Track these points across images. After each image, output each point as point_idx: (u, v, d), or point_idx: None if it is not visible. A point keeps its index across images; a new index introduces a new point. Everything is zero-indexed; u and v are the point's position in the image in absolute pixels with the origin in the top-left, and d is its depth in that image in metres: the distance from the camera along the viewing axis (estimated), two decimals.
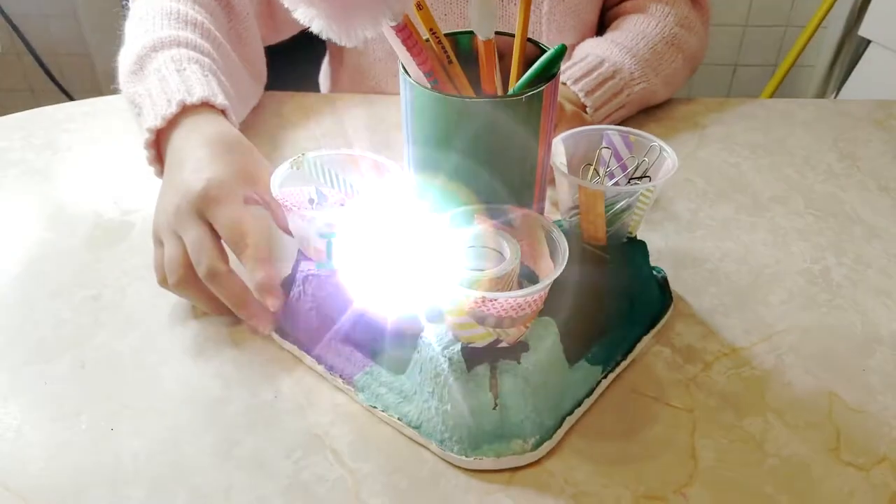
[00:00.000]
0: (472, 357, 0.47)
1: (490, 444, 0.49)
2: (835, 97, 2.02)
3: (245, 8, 0.82)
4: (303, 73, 1.13)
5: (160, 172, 0.66)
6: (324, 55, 1.10)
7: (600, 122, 0.78)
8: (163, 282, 0.58)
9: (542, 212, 0.57)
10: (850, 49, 2.06)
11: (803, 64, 2.18)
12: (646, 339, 0.57)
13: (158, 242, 0.59)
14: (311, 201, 0.55)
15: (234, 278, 0.56)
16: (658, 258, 0.66)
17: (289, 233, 0.57)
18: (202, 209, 0.56)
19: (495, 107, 0.48)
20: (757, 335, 0.58)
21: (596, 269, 0.55)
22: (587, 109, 0.77)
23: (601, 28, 0.98)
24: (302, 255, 0.56)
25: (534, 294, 0.44)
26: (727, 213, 0.72)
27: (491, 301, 0.43)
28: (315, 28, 0.44)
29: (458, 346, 0.48)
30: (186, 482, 0.48)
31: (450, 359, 0.47)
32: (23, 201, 0.73)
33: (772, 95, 2.11)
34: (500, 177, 0.50)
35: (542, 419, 0.49)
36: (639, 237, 0.58)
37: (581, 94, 0.77)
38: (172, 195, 0.57)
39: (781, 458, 0.49)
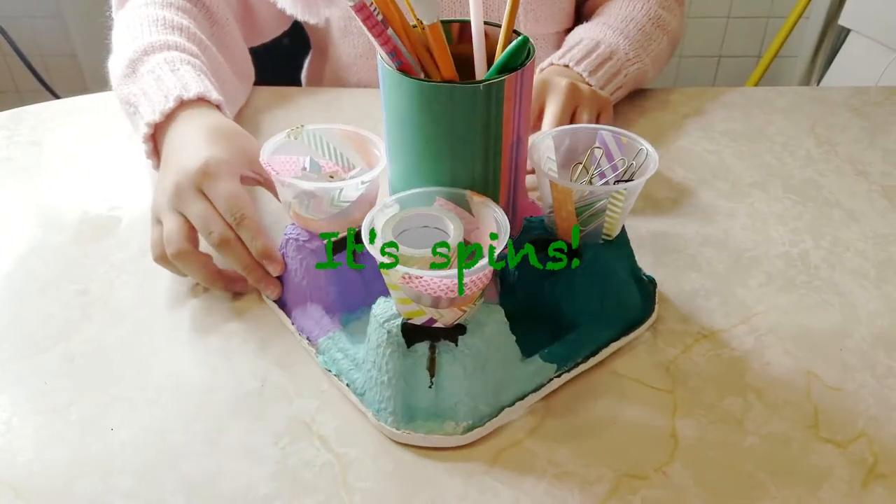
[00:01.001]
0: (414, 334, 0.48)
1: (423, 421, 0.50)
2: (818, 83, 2.03)
3: (224, 14, 0.85)
4: (284, 69, 1.14)
5: (157, 165, 0.68)
6: (306, 52, 1.10)
7: None
8: (160, 258, 0.60)
9: (523, 207, 0.57)
10: (832, 39, 2.08)
11: (786, 54, 2.20)
12: (615, 345, 0.56)
13: (157, 222, 0.61)
14: (303, 170, 0.57)
15: (242, 245, 0.58)
16: (639, 244, 0.67)
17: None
18: (201, 185, 0.59)
19: (452, 93, 0.48)
20: (737, 317, 0.60)
21: (565, 267, 0.55)
22: (581, 73, 0.78)
23: (578, 19, 0.99)
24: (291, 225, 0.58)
25: (467, 277, 0.44)
26: (707, 199, 0.73)
27: (417, 278, 0.44)
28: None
29: (399, 321, 0.48)
30: (175, 470, 0.48)
31: (389, 331, 0.48)
32: (9, 199, 0.74)
33: (756, 86, 2.13)
34: (460, 163, 0.51)
35: (476, 404, 0.50)
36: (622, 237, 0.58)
37: (585, 75, 0.78)
38: (172, 176, 0.60)
39: (761, 436, 0.50)
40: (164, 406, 0.52)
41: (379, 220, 0.48)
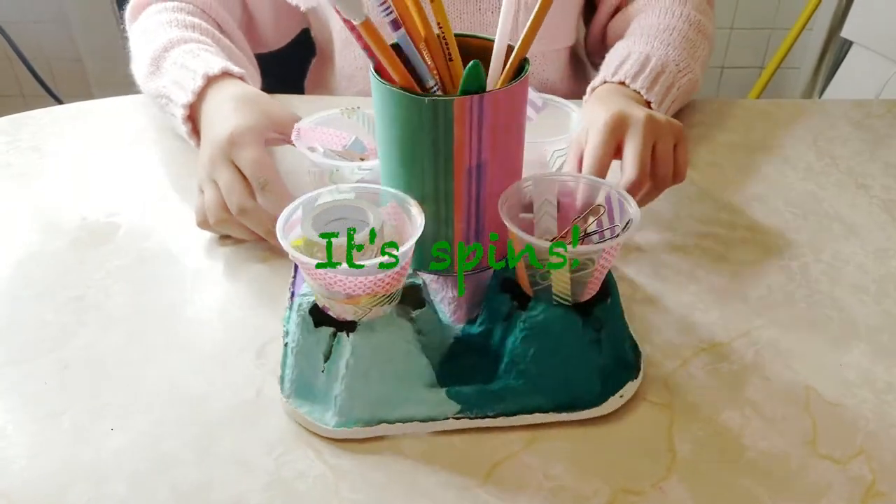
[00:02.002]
0: (323, 316, 0.51)
1: (311, 402, 0.51)
2: (820, 95, 2.03)
3: (230, 25, 0.87)
4: (286, 78, 1.14)
5: (198, 143, 0.73)
6: (308, 61, 1.11)
7: None
8: (202, 223, 0.66)
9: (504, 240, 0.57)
10: (835, 51, 2.08)
11: (789, 66, 2.20)
12: (553, 416, 0.51)
13: (200, 191, 0.67)
14: (343, 147, 0.59)
15: (261, 212, 0.63)
16: (639, 257, 0.66)
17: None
18: (229, 153, 0.63)
19: (401, 100, 0.48)
20: (735, 330, 0.59)
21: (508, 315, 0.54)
22: (651, 105, 0.75)
23: (589, 36, 0.99)
24: None
25: (344, 275, 0.46)
26: (707, 211, 0.73)
27: (304, 265, 0.47)
28: None
29: (312, 300, 0.51)
30: (167, 478, 0.48)
31: (300, 305, 0.51)
32: (8, 204, 0.74)
33: (758, 97, 2.13)
34: (410, 174, 0.52)
35: (353, 406, 0.50)
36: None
37: (643, 92, 0.75)
38: (206, 148, 0.66)
39: (759, 451, 0.50)
40: (158, 414, 0.52)
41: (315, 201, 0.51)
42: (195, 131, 0.74)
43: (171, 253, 0.67)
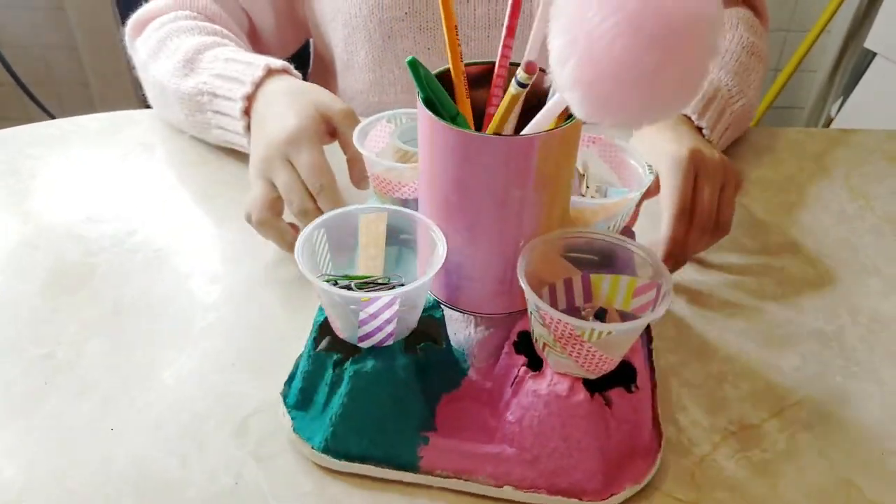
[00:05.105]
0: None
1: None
2: (840, 105, 1.96)
3: (238, 34, 0.85)
4: None
5: (248, 143, 0.70)
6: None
7: (716, 148, 0.70)
8: (248, 219, 0.63)
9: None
10: (854, 55, 2.01)
11: (806, 69, 2.13)
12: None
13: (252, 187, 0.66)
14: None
15: (320, 214, 0.58)
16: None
17: (358, 186, 0.67)
18: (287, 154, 0.62)
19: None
20: (767, 409, 0.54)
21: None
22: (704, 132, 0.70)
23: None
24: None
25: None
26: (735, 261, 0.67)
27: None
28: None
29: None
30: None
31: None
32: None
33: (774, 99, 2.07)
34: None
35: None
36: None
37: (695, 118, 0.70)
38: (262, 147, 0.64)
39: None
40: (127, 502, 0.47)
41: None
42: (248, 128, 0.71)
43: (148, 302, 0.61)
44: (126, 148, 0.81)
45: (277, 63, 0.71)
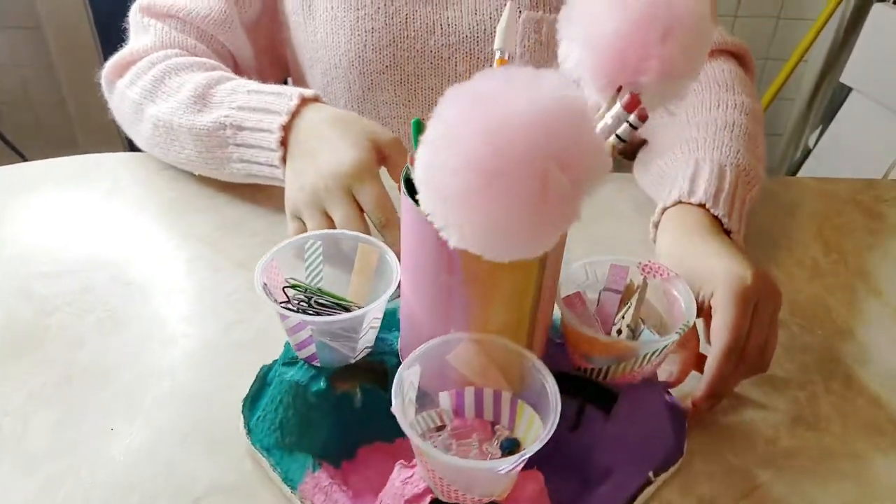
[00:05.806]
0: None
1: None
2: (819, 135, 1.97)
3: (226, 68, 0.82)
4: None
5: (283, 174, 0.68)
6: None
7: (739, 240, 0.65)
8: None
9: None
10: (831, 85, 2.03)
11: (784, 97, 2.14)
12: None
13: (294, 218, 0.65)
14: None
15: None
16: None
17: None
18: (350, 186, 0.62)
19: None
20: (738, 489, 0.52)
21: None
22: (733, 235, 0.64)
23: None
24: None
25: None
26: None
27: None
28: None
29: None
30: None
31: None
32: None
33: None
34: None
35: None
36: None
37: (726, 220, 0.63)
38: (315, 177, 0.63)
39: None
40: None
41: None
42: (283, 159, 0.68)
43: (102, 367, 0.59)
44: (91, 194, 0.78)
45: (309, 92, 0.70)
